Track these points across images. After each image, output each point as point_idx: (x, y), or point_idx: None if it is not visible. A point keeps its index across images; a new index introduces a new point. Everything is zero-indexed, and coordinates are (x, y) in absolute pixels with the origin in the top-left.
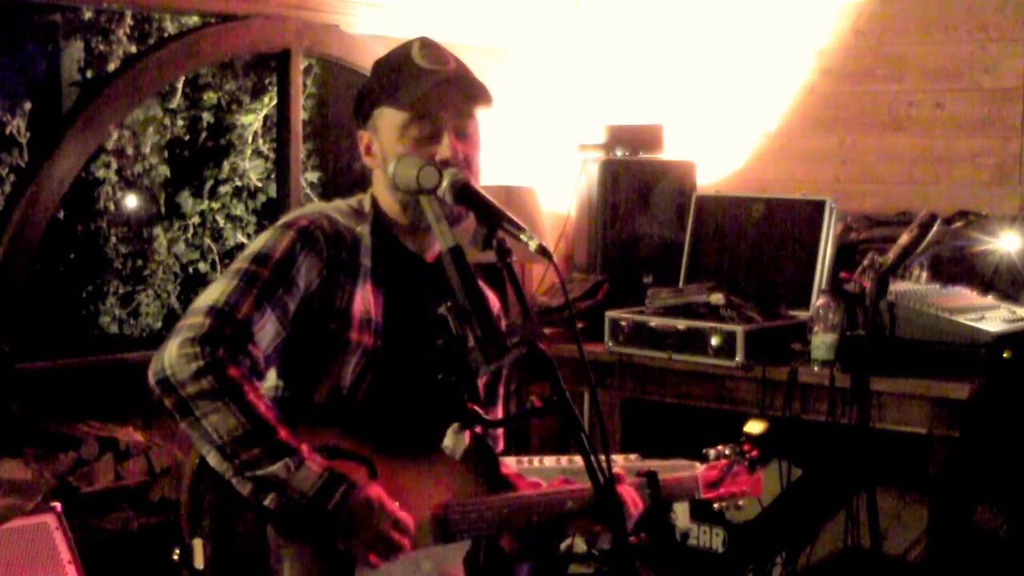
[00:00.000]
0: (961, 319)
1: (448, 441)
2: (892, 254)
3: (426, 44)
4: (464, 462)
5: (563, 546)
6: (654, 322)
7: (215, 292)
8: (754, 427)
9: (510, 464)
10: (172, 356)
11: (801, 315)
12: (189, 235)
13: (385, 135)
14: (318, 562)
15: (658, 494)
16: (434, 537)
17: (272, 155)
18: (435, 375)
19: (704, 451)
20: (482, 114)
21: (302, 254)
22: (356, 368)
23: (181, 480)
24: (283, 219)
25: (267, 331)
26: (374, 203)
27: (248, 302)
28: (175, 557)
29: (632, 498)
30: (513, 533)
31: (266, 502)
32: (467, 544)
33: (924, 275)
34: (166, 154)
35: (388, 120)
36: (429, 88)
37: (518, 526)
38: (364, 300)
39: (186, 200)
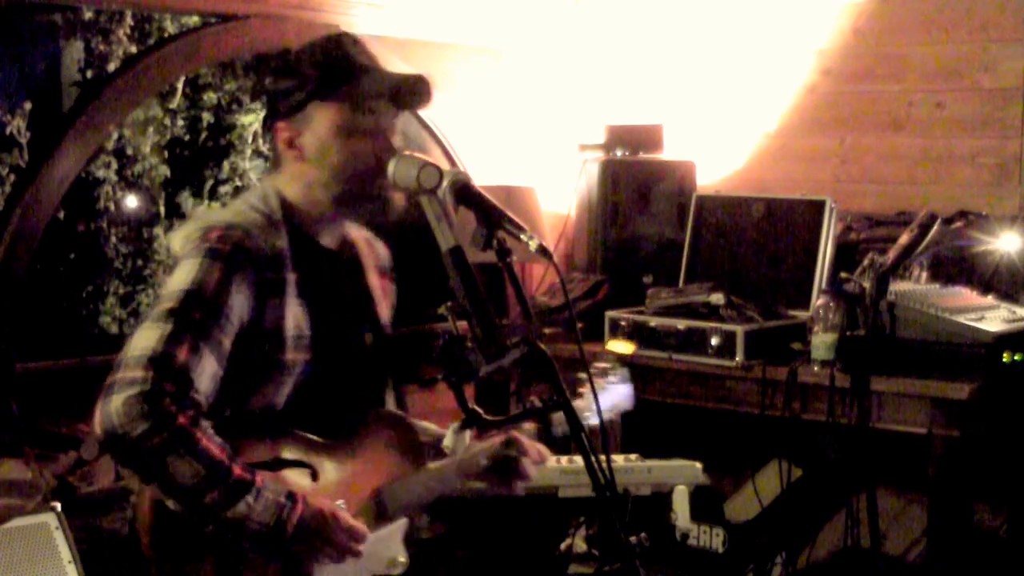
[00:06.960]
0: (961, 319)
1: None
2: (892, 254)
3: (357, 41)
4: (389, 445)
5: (563, 546)
6: (654, 322)
7: (150, 340)
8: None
9: (431, 431)
10: (119, 413)
11: (801, 315)
12: None
13: (323, 129)
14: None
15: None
16: (374, 520)
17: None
18: (361, 367)
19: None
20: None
21: (232, 285)
22: (292, 386)
23: (137, 530)
24: (199, 237)
25: (206, 372)
26: (282, 203)
27: (184, 348)
28: None
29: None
30: (441, 502)
31: (230, 537)
32: (404, 522)
33: (924, 275)
34: (166, 154)
35: (328, 115)
36: (374, 85)
37: (446, 494)
38: (294, 316)
39: (186, 200)
